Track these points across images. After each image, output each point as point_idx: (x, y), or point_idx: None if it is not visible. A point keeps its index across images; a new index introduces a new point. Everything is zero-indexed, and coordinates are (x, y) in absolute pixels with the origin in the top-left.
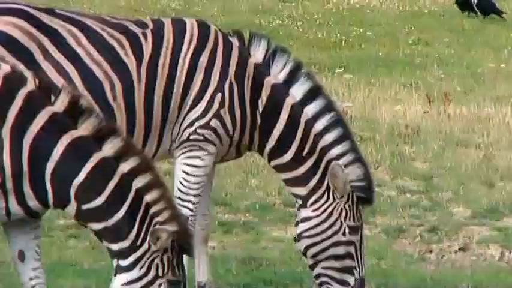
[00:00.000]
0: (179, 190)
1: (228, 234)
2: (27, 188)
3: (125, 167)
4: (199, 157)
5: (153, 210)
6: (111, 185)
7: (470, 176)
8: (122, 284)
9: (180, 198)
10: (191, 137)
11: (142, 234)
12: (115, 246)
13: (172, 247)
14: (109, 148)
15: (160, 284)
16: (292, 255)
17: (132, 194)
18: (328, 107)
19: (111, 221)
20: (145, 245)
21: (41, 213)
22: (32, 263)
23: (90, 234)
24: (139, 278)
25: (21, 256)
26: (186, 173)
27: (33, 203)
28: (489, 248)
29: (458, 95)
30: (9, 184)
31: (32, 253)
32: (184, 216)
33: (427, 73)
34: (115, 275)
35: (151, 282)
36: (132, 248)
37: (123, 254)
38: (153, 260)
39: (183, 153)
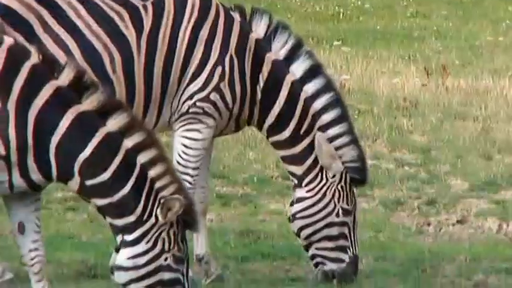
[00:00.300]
0: (178, 163)
1: (226, 207)
2: (31, 161)
3: (129, 142)
4: (198, 130)
5: (158, 185)
6: (117, 160)
7: (468, 148)
8: (128, 258)
9: (178, 171)
10: (190, 110)
11: (148, 209)
12: (120, 222)
13: (177, 222)
14: (114, 123)
15: (166, 258)
16: (290, 228)
17: (137, 170)
18: (328, 86)
19: (117, 197)
20: (152, 220)
21: (43, 186)
22: (31, 235)
23: (89, 207)
24: (145, 252)
25: (21, 228)
26: (184, 145)
27: (36, 176)
28: (487, 220)
29: (456, 67)
30: (13, 157)
31: (32, 225)
32: (189, 191)
33: (425, 46)
34: (117, 250)
35: (157, 256)
36: (138, 223)
37: (128, 229)
38: (159, 235)
39: (182, 126)
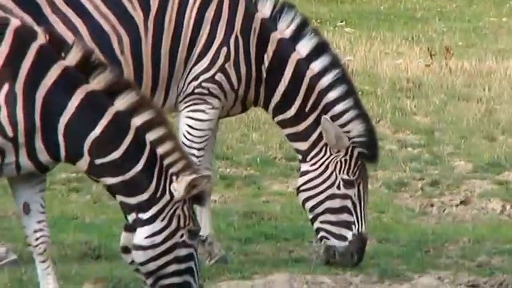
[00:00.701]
0: (182, 143)
1: (229, 188)
2: (39, 143)
3: (137, 120)
4: (203, 111)
5: (166, 161)
6: (128, 138)
7: (471, 130)
8: (146, 237)
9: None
10: (196, 91)
11: (161, 186)
12: (133, 200)
13: (189, 197)
14: (122, 103)
15: (182, 235)
16: (294, 209)
17: (147, 147)
18: (334, 64)
19: (129, 175)
20: (167, 196)
21: (51, 167)
22: (36, 216)
23: (92, 188)
24: (162, 230)
25: (26, 209)
26: (189, 126)
27: (44, 157)
28: (490, 201)
29: (460, 48)
30: (21, 139)
31: (37, 206)
32: (197, 167)
33: (428, 27)
34: (127, 230)
35: (173, 233)
36: (152, 201)
37: (142, 207)
38: (174, 211)
39: (187, 106)
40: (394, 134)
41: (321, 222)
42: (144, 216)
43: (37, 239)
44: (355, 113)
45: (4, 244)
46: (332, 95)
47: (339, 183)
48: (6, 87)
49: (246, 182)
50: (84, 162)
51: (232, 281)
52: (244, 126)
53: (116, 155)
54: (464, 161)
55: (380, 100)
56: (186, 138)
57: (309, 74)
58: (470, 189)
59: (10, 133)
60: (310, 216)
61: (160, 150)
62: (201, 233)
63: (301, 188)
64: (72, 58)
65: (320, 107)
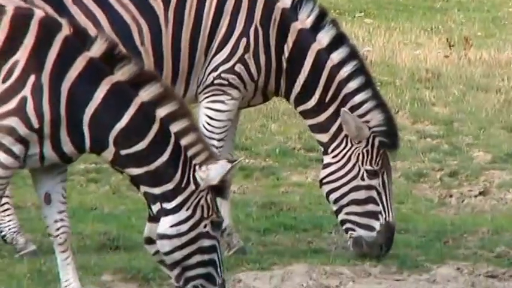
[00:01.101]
0: (204, 135)
1: (248, 179)
2: (64, 134)
3: (161, 112)
4: (222, 101)
5: (190, 153)
6: (154, 129)
7: (490, 120)
8: (171, 226)
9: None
10: (215, 81)
11: (186, 176)
12: (157, 190)
13: (211, 188)
14: (146, 94)
15: (206, 225)
16: (312, 200)
17: (173, 138)
18: (353, 55)
19: (154, 165)
20: (191, 187)
21: (75, 158)
22: (57, 206)
23: (111, 178)
24: (187, 219)
25: (48, 199)
26: (209, 117)
27: (68, 148)
28: (509, 192)
29: (479, 39)
30: (46, 130)
31: (58, 196)
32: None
33: (447, 17)
34: (150, 220)
35: (198, 223)
36: (177, 190)
37: (167, 197)
38: (198, 202)
39: (207, 97)
40: (413, 124)
41: (346, 213)
42: (169, 205)
43: (58, 229)
44: (374, 103)
45: (23, 235)
46: (352, 85)
47: (363, 174)
48: (32, 78)
49: (265, 173)
50: (109, 153)
51: (251, 271)
52: (263, 116)
53: (141, 145)
54: (483, 151)
55: (399, 91)
56: (206, 129)
57: (329, 64)
58: (489, 180)
59: (36, 124)
60: (335, 208)
61: (183, 141)
62: None
63: (325, 181)
64: (97, 50)
65: (340, 98)
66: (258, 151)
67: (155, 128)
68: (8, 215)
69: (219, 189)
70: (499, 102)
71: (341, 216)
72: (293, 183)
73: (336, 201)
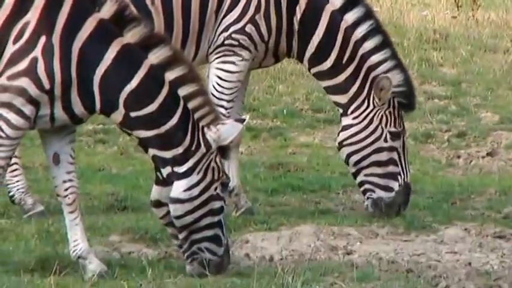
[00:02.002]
0: (212, 95)
1: (255, 140)
2: (74, 95)
3: (170, 75)
4: (233, 62)
5: (196, 115)
6: (163, 92)
7: (498, 81)
8: (184, 190)
9: (215, 101)
10: (226, 42)
11: (196, 139)
12: (168, 154)
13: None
14: (155, 57)
15: (216, 188)
16: (320, 160)
17: (182, 102)
18: (368, 15)
19: (164, 128)
20: (202, 149)
21: (85, 119)
22: (66, 167)
23: (119, 139)
24: (198, 183)
25: (56, 159)
26: (219, 78)
27: (78, 109)
28: None
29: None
30: (57, 91)
31: (67, 157)
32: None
33: None
34: (157, 183)
35: (209, 186)
36: (188, 154)
37: (178, 160)
38: (208, 164)
39: (217, 58)
40: (420, 85)
41: (366, 175)
42: (181, 169)
43: (66, 189)
44: (393, 63)
45: (31, 195)
46: (368, 45)
47: (386, 136)
48: (43, 39)
49: (273, 134)
50: (119, 115)
51: (259, 232)
52: (271, 77)
53: (151, 108)
54: (490, 112)
55: (406, 52)
56: (216, 89)
57: (343, 25)
58: (496, 141)
59: (47, 85)
60: (353, 170)
61: (190, 105)
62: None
63: (345, 143)
64: (107, 11)
65: (357, 58)
66: (265, 112)
67: (165, 91)
68: (17, 176)
69: (223, 150)
70: (507, 63)
71: (360, 178)
72: (300, 144)
73: (356, 163)
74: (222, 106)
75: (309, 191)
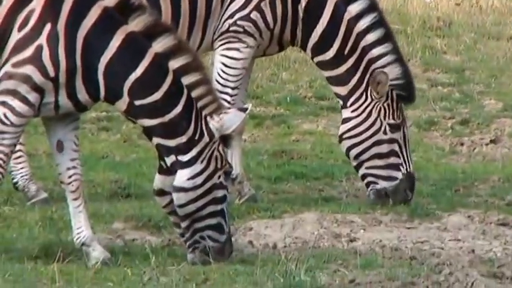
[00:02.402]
0: (217, 82)
1: (259, 127)
2: (79, 82)
3: (174, 64)
4: (238, 49)
5: (199, 104)
6: (168, 81)
7: (501, 68)
8: (188, 179)
9: (217, 90)
10: (231, 29)
11: (199, 128)
12: (172, 142)
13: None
14: (160, 46)
15: (219, 176)
16: (323, 148)
17: (185, 90)
18: (372, 7)
19: (168, 117)
20: (205, 138)
21: (89, 107)
22: (70, 154)
23: (122, 127)
24: (202, 172)
25: (60, 146)
26: (224, 65)
27: (83, 97)
28: None
29: None
30: (62, 78)
31: (70, 144)
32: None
33: None
34: (160, 172)
35: (212, 175)
36: (191, 143)
37: (182, 149)
38: (212, 153)
39: (222, 44)
40: (424, 73)
41: (368, 168)
42: (184, 158)
43: (70, 176)
44: (393, 57)
45: (35, 182)
46: (370, 37)
47: (385, 129)
48: (48, 27)
49: (276, 121)
50: (123, 103)
51: (262, 220)
52: (274, 65)
53: (156, 96)
54: (494, 99)
55: (410, 39)
56: (221, 76)
57: (347, 16)
58: (500, 128)
59: (52, 73)
60: (355, 164)
61: (194, 94)
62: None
63: (345, 136)
64: None
65: (358, 50)
66: (269, 99)
67: (169, 79)
68: (21, 163)
69: (225, 139)
70: (511, 50)
71: (362, 171)
72: (304, 132)
73: (356, 156)
74: (226, 93)
75: (312, 179)
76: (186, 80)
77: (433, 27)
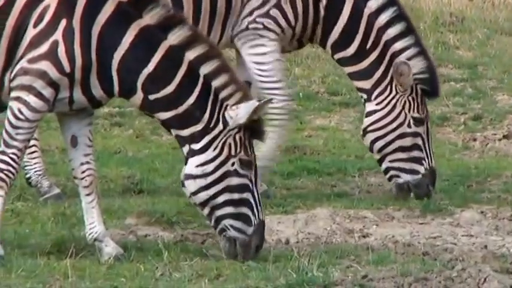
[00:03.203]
0: (260, 81)
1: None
2: (94, 78)
3: (191, 54)
4: (262, 44)
5: (222, 94)
6: (180, 73)
7: None
8: (196, 166)
9: (266, 89)
10: (250, 26)
11: (215, 116)
12: (186, 132)
13: (244, 128)
14: (175, 37)
15: (233, 163)
16: (336, 143)
17: (200, 80)
18: (391, 2)
19: (182, 108)
20: (220, 126)
21: (104, 102)
22: (83, 149)
23: (135, 122)
24: (213, 159)
25: (74, 141)
26: (257, 63)
27: (97, 92)
28: None
29: None
30: (77, 74)
31: (85, 139)
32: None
33: None
34: (186, 163)
35: (224, 162)
36: (205, 131)
37: (195, 138)
38: (225, 140)
39: (244, 43)
40: (437, 68)
41: (391, 161)
42: (197, 146)
43: (83, 171)
44: (416, 50)
45: (48, 178)
46: (391, 31)
47: (409, 122)
48: (63, 23)
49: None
50: (137, 99)
51: (275, 215)
52: (287, 60)
53: (169, 89)
54: (507, 95)
55: (423, 35)
56: (260, 75)
57: (367, 11)
58: None
59: (67, 68)
60: (378, 157)
61: (215, 82)
62: None
63: (369, 129)
64: None
65: (381, 45)
66: None
67: (182, 71)
68: (35, 158)
69: (255, 130)
70: None
71: (385, 164)
72: (317, 127)
73: (380, 149)
74: (275, 88)
75: (325, 174)
76: (205, 69)
77: (445, 22)
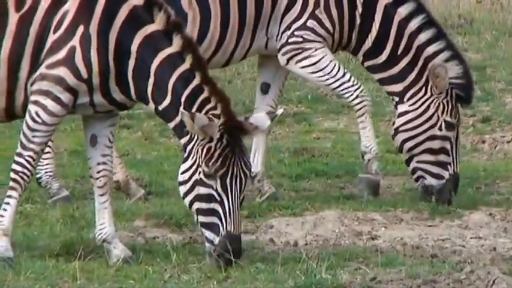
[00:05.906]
0: (325, 86)
1: (280, 125)
2: (113, 84)
3: (185, 64)
4: (309, 56)
5: (204, 105)
6: (172, 80)
7: None
8: (180, 173)
9: (336, 89)
10: (290, 40)
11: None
12: (182, 141)
13: (219, 138)
14: (176, 44)
15: (200, 173)
16: (344, 146)
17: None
18: (420, 8)
19: (178, 119)
20: (192, 136)
21: (130, 105)
22: (102, 149)
23: (143, 125)
24: (190, 167)
25: (93, 141)
26: (312, 73)
27: (119, 96)
28: None
29: None
30: (95, 80)
31: (104, 140)
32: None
33: None
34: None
35: (195, 171)
36: (190, 140)
37: (184, 146)
38: (197, 150)
39: (290, 59)
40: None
41: (418, 162)
42: (185, 154)
43: (99, 171)
44: (449, 53)
45: (58, 180)
46: (423, 36)
47: (441, 125)
48: (81, 28)
49: (297, 119)
50: (152, 107)
51: (283, 217)
52: None
53: (168, 101)
54: None
55: None
56: (322, 81)
57: (397, 18)
58: None
59: (84, 74)
60: (406, 157)
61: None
62: (252, 170)
63: (401, 129)
64: None
65: (413, 49)
66: (290, 97)
67: (173, 80)
68: (47, 159)
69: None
70: None
71: (413, 165)
72: (325, 130)
73: (410, 149)
74: (345, 89)
75: (333, 176)
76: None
77: (454, 24)
